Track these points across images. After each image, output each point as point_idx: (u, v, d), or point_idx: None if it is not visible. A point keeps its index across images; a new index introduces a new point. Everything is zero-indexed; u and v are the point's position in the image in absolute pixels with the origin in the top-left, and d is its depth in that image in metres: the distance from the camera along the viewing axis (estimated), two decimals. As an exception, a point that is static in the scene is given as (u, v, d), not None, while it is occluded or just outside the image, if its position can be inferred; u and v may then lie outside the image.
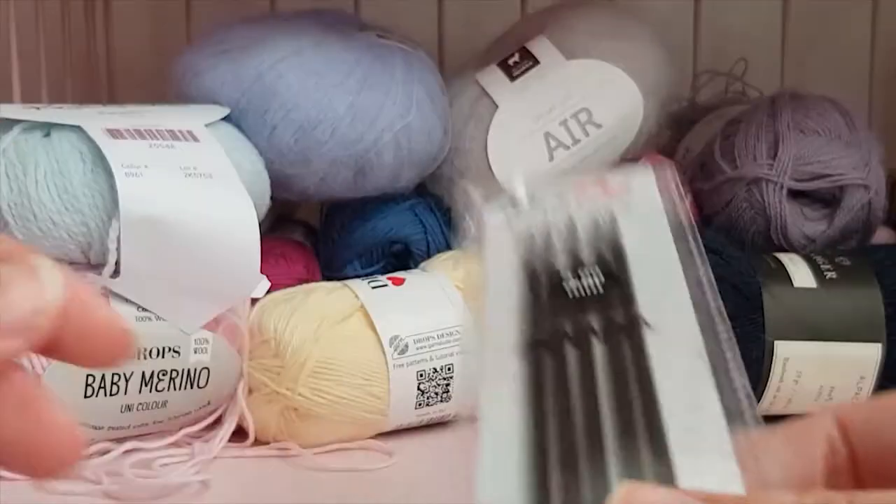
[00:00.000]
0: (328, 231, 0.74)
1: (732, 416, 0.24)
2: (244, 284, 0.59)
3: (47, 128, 0.57)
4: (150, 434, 0.60)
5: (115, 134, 0.57)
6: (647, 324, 0.26)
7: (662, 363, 0.25)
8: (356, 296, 0.63)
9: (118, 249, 0.55)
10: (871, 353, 0.62)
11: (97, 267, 0.56)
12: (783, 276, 0.63)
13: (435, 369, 0.62)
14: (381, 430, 0.63)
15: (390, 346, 0.61)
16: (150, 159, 0.56)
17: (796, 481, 0.26)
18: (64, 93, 0.84)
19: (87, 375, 0.56)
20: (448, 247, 0.72)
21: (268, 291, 0.62)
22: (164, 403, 0.59)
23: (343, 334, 0.61)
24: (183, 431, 0.60)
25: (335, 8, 0.74)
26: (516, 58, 0.72)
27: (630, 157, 0.74)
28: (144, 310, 0.57)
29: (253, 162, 0.63)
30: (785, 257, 0.65)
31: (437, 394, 0.63)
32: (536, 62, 0.72)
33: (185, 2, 0.92)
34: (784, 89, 0.78)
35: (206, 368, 0.59)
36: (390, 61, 0.68)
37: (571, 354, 0.26)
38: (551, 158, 0.69)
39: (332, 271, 0.73)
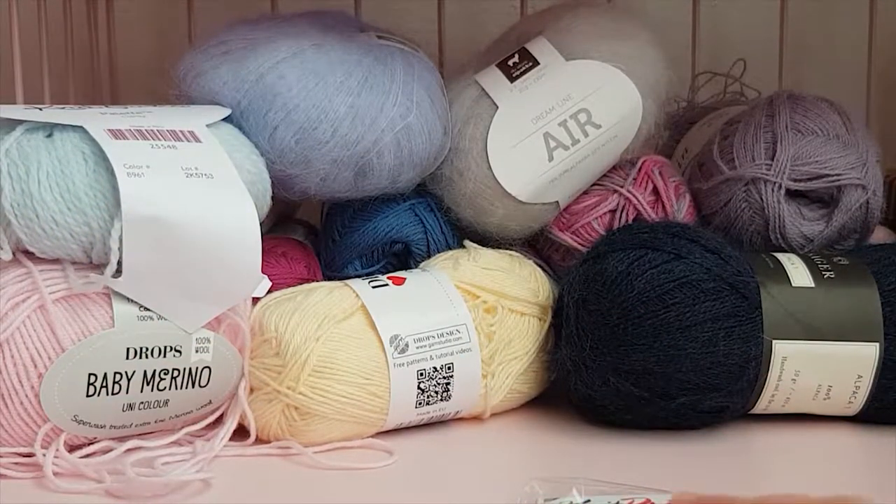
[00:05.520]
0: (329, 231, 0.74)
1: None
2: (245, 284, 0.60)
3: (50, 128, 0.57)
4: (151, 433, 0.61)
5: (117, 134, 0.57)
6: None
7: None
8: (357, 295, 0.63)
9: (120, 249, 0.55)
10: (868, 353, 0.62)
11: (99, 267, 0.57)
12: (781, 275, 0.63)
13: (435, 368, 0.62)
14: (381, 429, 0.63)
15: (391, 346, 0.61)
16: (152, 159, 0.57)
17: None
18: (66, 94, 0.84)
19: (89, 374, 0.56)
20: (448, 247, 0.72)
21: (269, 291, 0.62)
22: (166, 402, 0.59)
23: (344, 333, 0.61)
24: (184, 430, 0.61)
25: (335, 9, 0.74)
26: (516, 58, 0.73)
27: (629, 158, 0.74)
28: (146, 309, 0.57)
29: (254, 162, 0.63)
30: (783, 257, 0.65)
31: (437, 393, 0.63)
32: (536, 63, 0.72)
33: (187, 3, 0.92)
34: (782, 90, 0.78)
35: (208, 367, 0.59)
36: (390, 62, 0.68)
37: None
38: (550, 159, 0.70)
39: (333, 271, 0.73)
